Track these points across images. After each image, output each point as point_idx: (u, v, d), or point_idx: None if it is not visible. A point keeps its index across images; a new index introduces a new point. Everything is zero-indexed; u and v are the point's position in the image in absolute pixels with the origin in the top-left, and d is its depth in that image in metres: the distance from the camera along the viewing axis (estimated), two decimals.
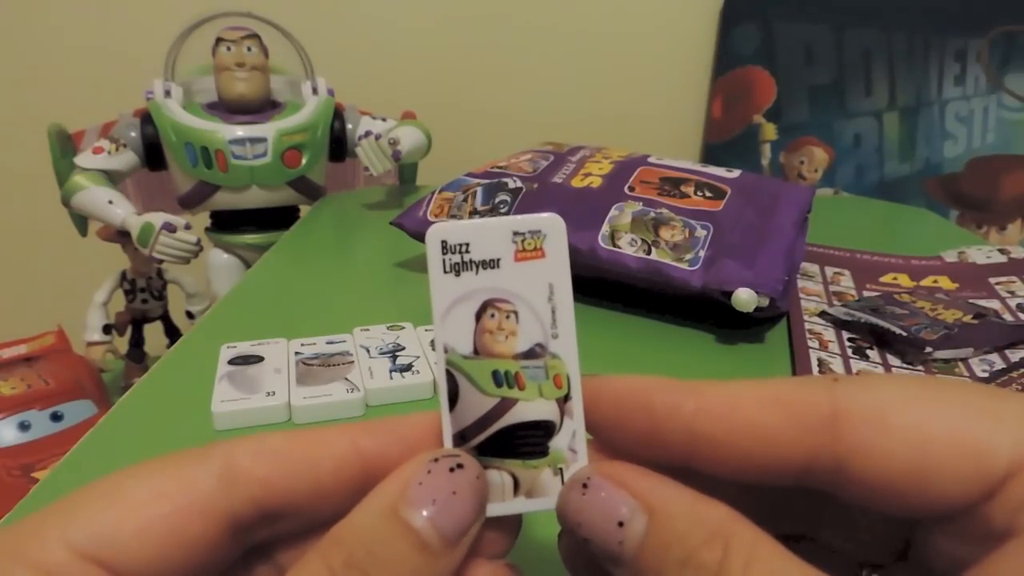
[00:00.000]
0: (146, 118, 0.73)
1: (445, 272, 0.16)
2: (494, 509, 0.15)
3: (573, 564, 0.16)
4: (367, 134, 0.74)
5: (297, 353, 0.35)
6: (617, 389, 0.16)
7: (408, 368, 0.33)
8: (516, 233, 0.16)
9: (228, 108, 0.75)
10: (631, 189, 0.45)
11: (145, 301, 0.84)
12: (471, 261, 0.16)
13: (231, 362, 0.34)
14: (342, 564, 0.13)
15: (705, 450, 0.15)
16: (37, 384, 0.71)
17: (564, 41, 1.03)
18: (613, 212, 0.43)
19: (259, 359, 0.34)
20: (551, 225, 0.16)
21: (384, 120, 0.80)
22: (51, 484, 0.26)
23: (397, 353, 0.35)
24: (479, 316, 0.16)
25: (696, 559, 0.13)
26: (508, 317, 0.16)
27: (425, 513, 0.14)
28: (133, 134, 0.73)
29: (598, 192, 0.45)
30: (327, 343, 0.36)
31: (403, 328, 0.38)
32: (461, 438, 0.16)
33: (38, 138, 0.74)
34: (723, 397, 0.15)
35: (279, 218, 0.78)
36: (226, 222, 0.79)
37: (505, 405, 0.15)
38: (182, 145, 0.72)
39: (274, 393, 0.31)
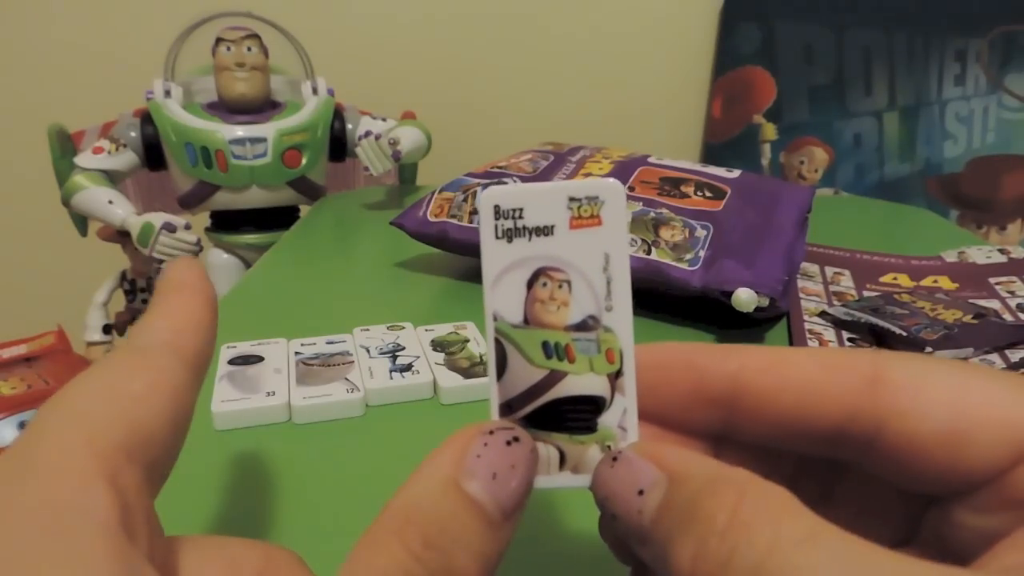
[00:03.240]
0: (146, 118, 0.73)
1: (497, 238, 0.15)
2: (539, 482, 0.15)
3: (615, 547, 0.16)
4: (367, 134, 0.74)
5: (297, 353, 0.35)
6: (661, 350, 0.16)
7: (408, 368, 0.33)
8: (572, 199, 0.15)
9: (228, 108, 0.75)
10: (631, 189, 0.45)
11: (145, 301, 0.84)
12: (524, 227, 0.15)
13: (231, 362, 0.34)
14: (422, 546, 0.13)
15: (748, 403, 0.15)
16: (37, 384, 0.71)
17: (564, 41, 1.03)
18: None
19: (259, 359, 0.34)
20: (610, 191, 0.15)
21: (384, 120, 0.80)
22: None
23: (397, 353, 0.35)
24: (531, 284, 0.15)
25: (705, 511, 0.12)
26: (561, 287, 0.15)
27: (486, 486, 0.14)
28: (133, 134, 0.73)
29: None
30: (327, 343, 0.36)
31: (403, 328, 0.38)
32: (508, 408, 0.15)
33: (38, 138, 0.74)
34: (767, 354, 0.15)
35: (279, 218, 0.78)
36: (226, 222, 0.79)
37: (554, 377, 0.15)
38: (182, 145, 0.72)
39: (274, 393, 0.31)
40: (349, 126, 0.79)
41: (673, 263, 0.40)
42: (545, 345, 0.15)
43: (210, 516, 0.24)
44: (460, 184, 0.49)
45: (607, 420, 0.15)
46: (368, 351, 0.35)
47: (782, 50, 0.98)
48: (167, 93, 0.74)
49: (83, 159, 0.71)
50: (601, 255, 0.15)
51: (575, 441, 0.15)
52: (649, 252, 0.41)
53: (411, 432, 0.29)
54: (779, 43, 0.98)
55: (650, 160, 0.48)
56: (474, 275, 0.49)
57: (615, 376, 0.15)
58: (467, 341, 0.36)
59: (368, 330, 0.37)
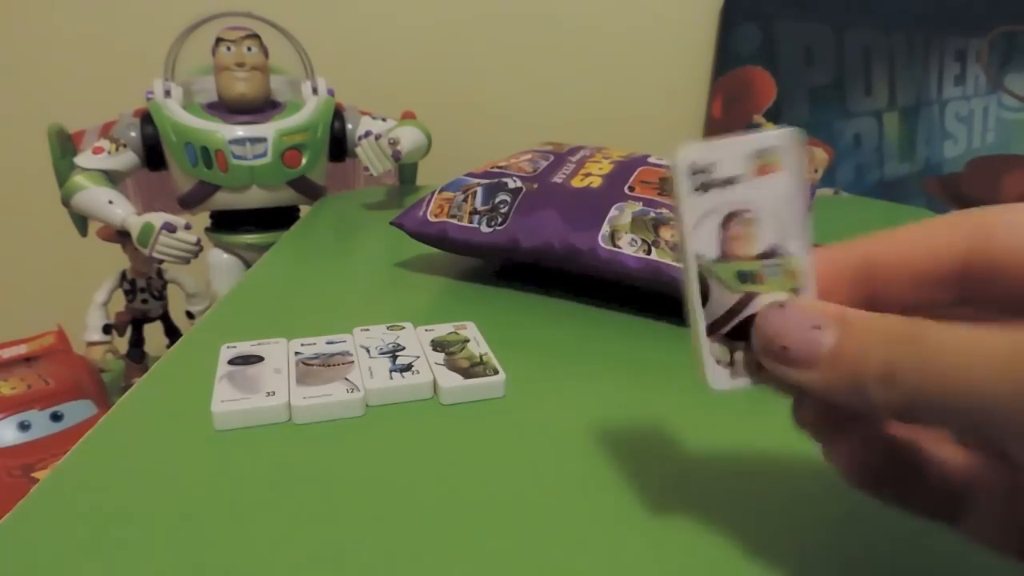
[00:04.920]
0: (146, 118, 0.73)
1: (695, 190, 0.18)
2: (746, 382, 0.18)
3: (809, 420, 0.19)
4: (367, 134, 0.74)
5: (297, 353, 0.35)
6: (830, 258, 0.19)
7: (408, 368, 0.33)
8: (756, 151, 0.18)
9: (228, 108, 0.75)
10: (631, 189, 0.45)
11: (145, 301, 0.84)
12: (717, 179, 0.18)
13: (231, 362, 0.34)
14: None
15: (882, 274, 0.18)
16: (37, 384, 0.71)
17: (564, 41, 1.03)
18: (613, 212, 0.43)
19: (259, 359, 0.34)
20: (787, 141, 0.18)
21: (384, 120, 0.80)
22: (51, 484, 0.26)
23: (397, 353, 0.35)
24: (724, 225, 0.18)
25: (897, 361, 0.15)
26: (750, 225, 0.18)
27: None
28: (133, 134, 0.73)
29: (598, 192, 0.45)
30: (327, 343, 0.36)
31: (403, 328, 0.38)
32: (714, 327, 0.18)
33: (38, 138, 0.74)
34: (886, 234, 0.18)
35: (279, 218, 0.78)
36: (226, 222, 0.79)
37: (749, 298, 0.18)
38: (182, 145, 0.72)
39: (274, 393, 0.31)
40: (349, 126, 0.79)
41: (673, 263, 0.40)
42: (740, 274, 0.18)
43: (210, 517, 0.24)
44: (460, 184, 0.49)
45: None
46: (368, 351, 0.35)
47: (782, 50, 0.98)
48: (167, 93, 0.74)
49: (83, 159, 0.71)
50: (781, 196, 0.18)
51: (742, 351, 0.18)
52: (649, 252, 0.41)
53: (411, 432, 0.29)
54: (779, 43, 0.98)
55: (650, 160, 0.48)
56: (474, 275, 0.49)
57: (798, 292, 0.18)
58: (467, 341, 0.36)
59: (368, 330, 0.37)
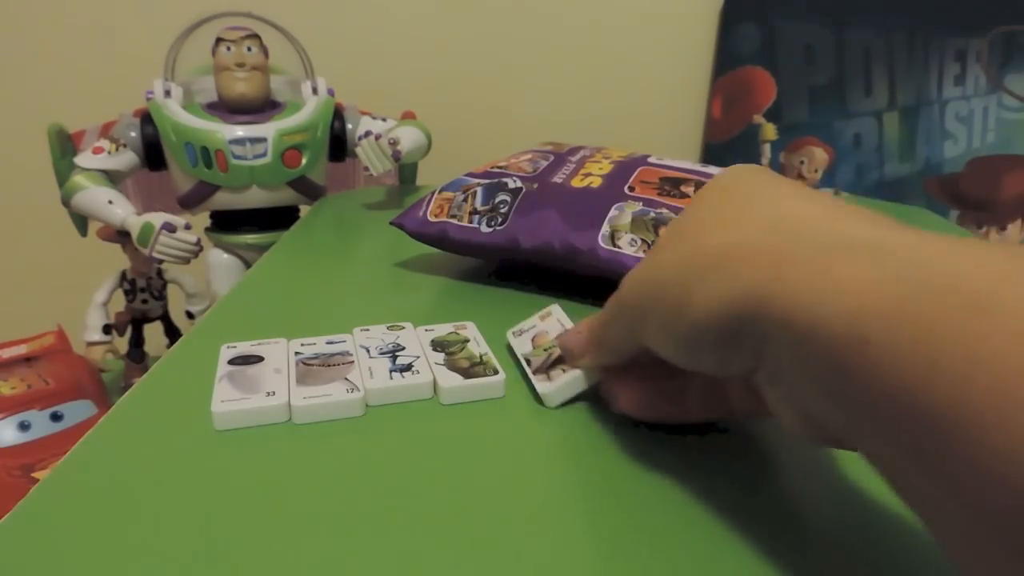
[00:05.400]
0: (146, 118, 0.73)
1: (515, 337, 0.36)
2: (558, 385, 0.31)
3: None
4: (367, 134, 0.74)
5: (297, 353, 0.35)
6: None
7: (408, 368, 0.33)
8: (541, 313, 0.36)
9: (228, 108, 0.75)
10: (631, 189, 0.45)
11: (145, 301, 0.84)
12: (525, 329, 0.36)
13: (231, 362, 0.34)
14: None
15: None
16: (37, 384, 0.71)
17: (564, 41, 1.03)
18: (613, 212, 0.43)
19: (259, 359, 0.34)
20: (555, 309, 0.36)
21: (384, 120, 0.80)
22: (51, 484, 0.25)
23: (397, 353, 0.35)
24: (533, 339, 0.35)
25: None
26: (544, 334, 0.34)
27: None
28: (133, 134, 0.73)
29: (598, 192, 0.45)
30: (327, 343, 0.36)
31: (403, 328, 0.38)
32: (538, 370, 0.32)
33: (38, 138, 0.74)
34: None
35: (279, 218, 0.78)
36: (226, 222, 0.79)
37: (551, 355, 0.32)
38: (182, 145, 0.72)
39: (274, 393, 0.31)
40: (349, 126, 0.79)
41: None
42: (545, 349, 0.33)
43: (209, 516, 0.24)
44: (460, 184, 0.49)
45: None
46: (368, 351, 0.35)
47: (782, 50, 0.98)
48: (167, 93, 0.74)
49: (83, 159, 0.71)
50: (557, 324, 0.35)
51: (561, 370, 0.31)
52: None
53: (411, 432, 0.29)
54: (779, 43, 0.98)
55: (650, 160, 0.48)
56: (474, 275, 0.49)
57: None
58: (467, 341, 0.36)
59: (368, 330, 0.37)
